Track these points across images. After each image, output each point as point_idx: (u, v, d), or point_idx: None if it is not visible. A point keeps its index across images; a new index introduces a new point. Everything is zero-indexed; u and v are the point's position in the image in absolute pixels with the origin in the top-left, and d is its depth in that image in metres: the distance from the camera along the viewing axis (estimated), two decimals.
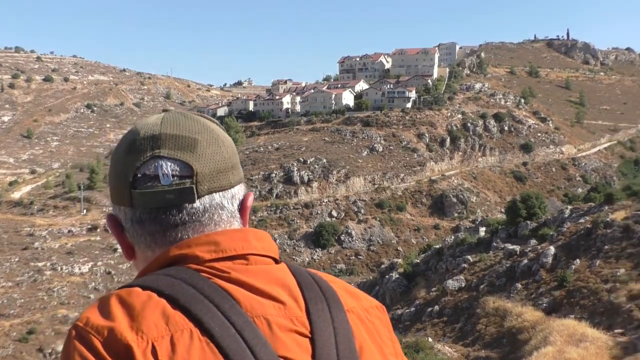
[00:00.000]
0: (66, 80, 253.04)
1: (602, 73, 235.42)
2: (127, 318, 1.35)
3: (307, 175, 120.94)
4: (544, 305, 42.39)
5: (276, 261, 1.58)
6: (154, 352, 1.29)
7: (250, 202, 1.69)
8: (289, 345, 1.39)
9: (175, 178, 1.53)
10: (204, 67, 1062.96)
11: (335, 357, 1.39)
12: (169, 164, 1.54)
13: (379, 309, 1.65)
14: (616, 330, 35.18)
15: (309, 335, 1.43)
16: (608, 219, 49.12)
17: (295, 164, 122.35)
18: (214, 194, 1.58)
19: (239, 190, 1.66)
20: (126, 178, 1.55)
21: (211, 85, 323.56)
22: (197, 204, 1.55)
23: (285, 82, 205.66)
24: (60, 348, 70.27)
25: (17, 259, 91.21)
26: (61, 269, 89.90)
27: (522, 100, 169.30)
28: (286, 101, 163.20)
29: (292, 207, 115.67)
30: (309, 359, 1.38)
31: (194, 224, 1.56)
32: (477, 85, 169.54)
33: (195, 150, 1.56)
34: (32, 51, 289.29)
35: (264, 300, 1.45)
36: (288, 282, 1.52)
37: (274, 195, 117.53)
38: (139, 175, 1.55)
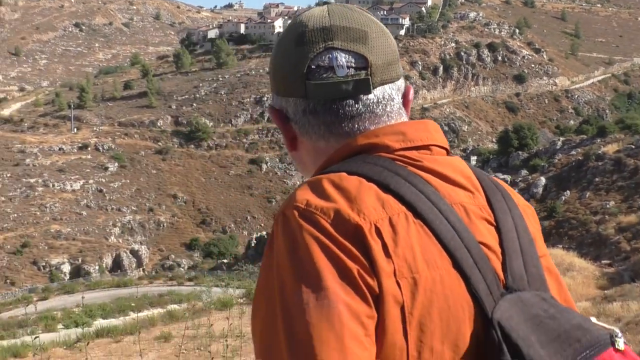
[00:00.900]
0: None
1: (598, 5, 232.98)
2: (346, 200, 1.37)
3: None
4: None
5: (448, 153, 1.62)
6: (379, 232, 1.32)
7: (411, 95, 1.70)
8: (483, 232, 1.44)
9: (351, 69, 1.55)
10: None
11: (518, 246, 1.46)
12: (343, 55, 1.56)
13: (532, 209, 1.67)
14: (603, 261, 35.93)
15: (494, 223, 1.48)
16: (600, 152, 49.62)
17: None
18: (385, 85, 1.60)
19: (402, 83, 1.68)
20: (299, 69, 1.56)
21: (201, 7, 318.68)
22: (371, 95, 1.57)
23: (277, 6, 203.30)
24: (54, 262, 71.31)
25: (9, 175, 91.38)
26: (53, 185, 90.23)
27: (517, 31, 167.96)
28: (278, 25, 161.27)
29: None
30: (497, 245, 1.44)
31: (369, 115, 1.58)
32: (472, 14, 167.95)
33: (367, 42, 1.59)
34: None
35: (457, 189, 1.50)
36: (468, 173, 1.55)
37: (266, 119, 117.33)
38: (312, 67, 1.56)
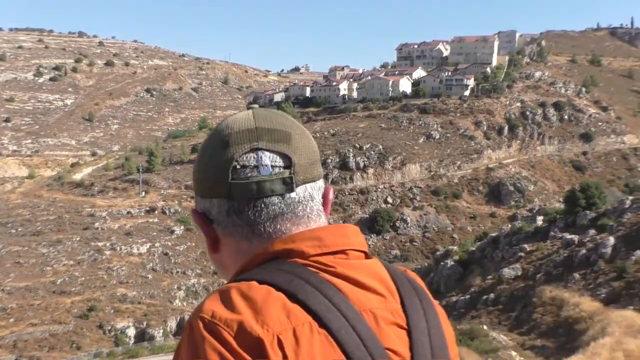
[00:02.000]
0: (127, 64, 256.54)
1: None
2: (252, 311, 1.39)
3: (363, 161, 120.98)
4: (602, 295, 41.86)
5: (367, 256, 1.64)
6: (280, 344, 1.34)
7: (331, 195, 1.77)
8: (392, 338, 1.44)
9: (275, 168, 1.61)
10: (261, 52, 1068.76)
11: (429, 350, 1.46)
12: (268, 155, 1.61)
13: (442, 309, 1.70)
14: None
15: (406, 327, 1.49)
16: None
17: (351, 150, 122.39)
18: (307, 184, 1.66)
19: (322, 184, 1.73)
20: (225, 170, 1.62)
21: (268, 71, 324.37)
22: (294, 194, 1.63)
23: (343, 69, 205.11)
24: (119, 326, 71.91)
25: (78, 239, 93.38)
26: (120, 249, 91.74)
27: (583, 89, 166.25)
28: (343, 87, 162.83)
29: (347, 193, 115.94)
30: (407, 350, 1.44)
31: (291, 216, 1.63)
32: (537, 74, 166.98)
33: (291, 142, 1.65)
34: (94, 36, 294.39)
35: (368, 294, 1.50)
36: (384, 276, 1.58)
37: (330, 181, 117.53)
38: (237, 167, 1.61)
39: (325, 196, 1.73)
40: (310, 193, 1.67)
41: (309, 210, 1.65)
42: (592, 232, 53.03)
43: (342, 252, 1.58)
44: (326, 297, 1.45)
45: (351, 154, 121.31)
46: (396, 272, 1.64)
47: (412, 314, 1.52)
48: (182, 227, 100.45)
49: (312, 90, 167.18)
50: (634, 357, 28.46)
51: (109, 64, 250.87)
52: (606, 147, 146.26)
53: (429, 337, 1.50)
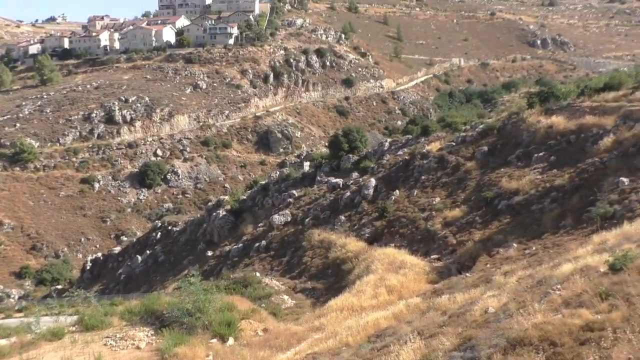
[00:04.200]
0: None
1: (417, 9, 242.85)
2: None
3: (130, 114, 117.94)
4: (367, 235, 43.96)
5: None
6: None
7: None
8: None
9: None
10: (12, 2, 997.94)
11: None
12: None
13: None
14: (433, 256, 37.17)
15: None
16: (424, 150, 51.33)
17: (116, 103, 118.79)
18: None
19: None
20: None
21: (21, 21, 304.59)
22: None
23: (102, 18, 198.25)
24: None
25: None
26: None
27: (343, 36, 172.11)
28: (104, 38, 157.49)
29: (115, 148, 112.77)
30: None
31: None
32: (299, 21, 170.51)
33: None
34: None
35: None
36: None
37: (96, 136, 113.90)
38: None
39: None
40: None
41: None
42: (355, 174, 55.32)
43: None
44: None
45: (117, 107, 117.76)
46: None
47: None
48: None
49: (70, 42, 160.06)
50: (395, 291, 30.19)
51: None
52: (366, 92, 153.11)
53: None
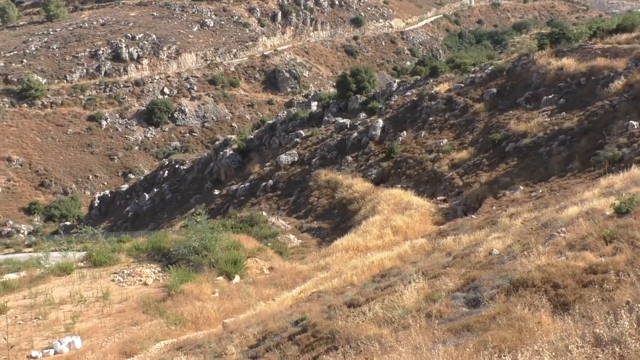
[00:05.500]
0: None
1: None
2: None
3: (137, 51, 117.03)
4: (373, 176, 44.11)
5: None
6: None
7: None
8: None
9: None
10: None
11: None
12: None
13: None
14: (439, 197, 37.31)
15: None
16: (432, 92, 51.09)
17: (123, 40, 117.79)
18: None
19: None
20: None
21: None
22: None
23: None
24: None
25: None
26: None
27: None
28: None
29: (122, 85, 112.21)
30: None
31: None
32: None
33: None
34: None
35: None
36: None
37: (103, 73, 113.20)
38: None
39: None
40: None
41: None
42: (362, 115, 55.15)
43: None
44: None
45: (124, 45, 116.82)
46: None
47: None
48: None
49: None
50: (401, 231, 30.37)
51: None
52: (375, 32, 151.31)
53: None
